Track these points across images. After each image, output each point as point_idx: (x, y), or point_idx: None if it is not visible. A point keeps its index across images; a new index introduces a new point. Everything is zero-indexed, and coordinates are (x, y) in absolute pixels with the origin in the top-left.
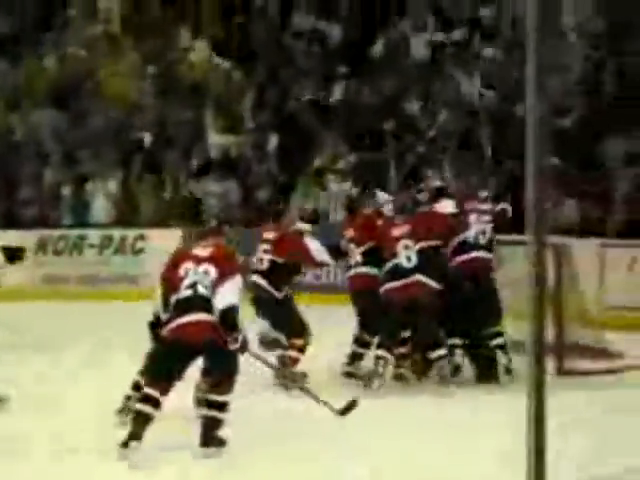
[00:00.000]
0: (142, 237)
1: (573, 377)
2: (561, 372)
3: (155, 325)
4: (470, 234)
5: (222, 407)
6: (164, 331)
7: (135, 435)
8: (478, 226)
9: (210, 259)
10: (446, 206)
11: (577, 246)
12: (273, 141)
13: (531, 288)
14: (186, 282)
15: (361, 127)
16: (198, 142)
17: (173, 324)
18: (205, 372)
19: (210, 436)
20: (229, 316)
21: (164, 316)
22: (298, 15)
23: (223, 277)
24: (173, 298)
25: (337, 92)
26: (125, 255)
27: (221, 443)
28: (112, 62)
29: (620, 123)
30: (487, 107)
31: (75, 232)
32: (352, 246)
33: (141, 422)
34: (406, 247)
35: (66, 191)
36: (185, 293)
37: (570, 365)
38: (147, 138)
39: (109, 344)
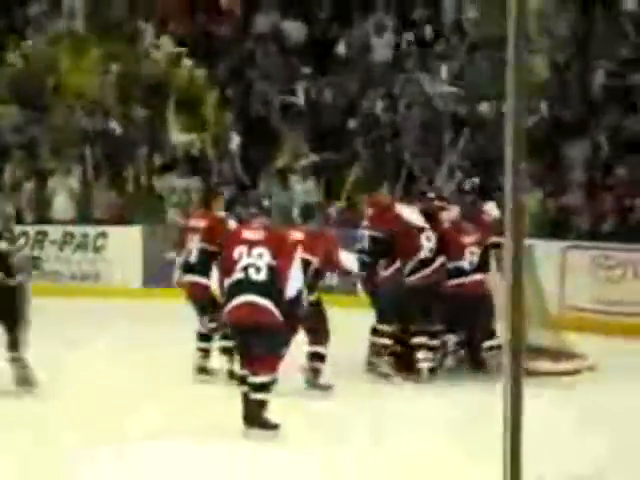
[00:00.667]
0: (103, 234)
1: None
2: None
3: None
4: None
5: (263, 388)
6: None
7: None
8: None
9: (264, 242)
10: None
11: (540, 247)
12: (236, 140)
13: (508, 289)
14: (240, 265)
15: (324, 127)
16: (161, 139)
17: (228, 307)
18: (251, 353)
19: (254, 416)
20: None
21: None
22: (261, 14)
23: (281, 259)
24: (227, 282)
25: (300, 91)
26: (86, 252)
27: (266, 425)
28: (74, 58)
29: (582, 127)
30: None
31: (36, 228)
32: None
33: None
34: (472, 253)
35: (27, 187)
36: (238, 276)
37: (532, 366)
38: (117, 129)
39: (72, 341)
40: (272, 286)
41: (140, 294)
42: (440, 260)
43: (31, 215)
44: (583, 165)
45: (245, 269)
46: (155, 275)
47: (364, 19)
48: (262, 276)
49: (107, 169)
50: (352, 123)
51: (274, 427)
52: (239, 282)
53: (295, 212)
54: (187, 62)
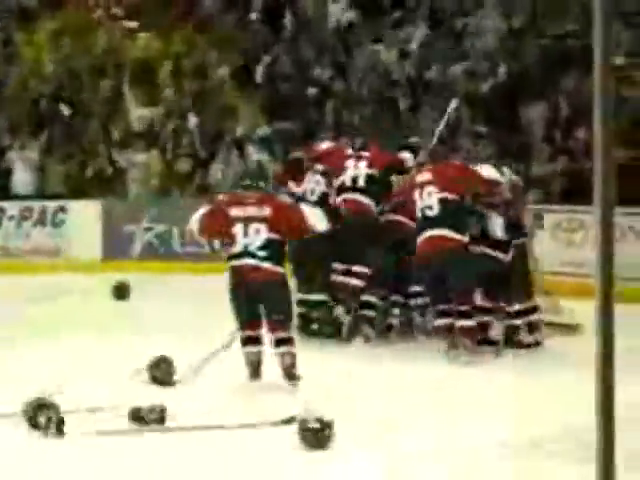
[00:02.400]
0: (62, 209)
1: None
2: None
3: None
4: None
5: (289, 342)
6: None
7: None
8: None
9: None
10: None
11: None
12: (193, 120)
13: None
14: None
15: (280, 96)
16: (118, 113)
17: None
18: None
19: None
20: None
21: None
22: None
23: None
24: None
25: (256, 62)
26: (45, 227)
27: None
28: (28, 32)
29: (538, 89)
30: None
31: None
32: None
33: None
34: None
35: None
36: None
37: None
38: (66, 111)
39: (33, 318)
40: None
41: (100, 268)
42: None
43: None
44: (543, 127)
45: None
46: (114, 248)
47: None
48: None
49: (63, 144)
50: (310, 92)
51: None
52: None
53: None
54: (142, 35)
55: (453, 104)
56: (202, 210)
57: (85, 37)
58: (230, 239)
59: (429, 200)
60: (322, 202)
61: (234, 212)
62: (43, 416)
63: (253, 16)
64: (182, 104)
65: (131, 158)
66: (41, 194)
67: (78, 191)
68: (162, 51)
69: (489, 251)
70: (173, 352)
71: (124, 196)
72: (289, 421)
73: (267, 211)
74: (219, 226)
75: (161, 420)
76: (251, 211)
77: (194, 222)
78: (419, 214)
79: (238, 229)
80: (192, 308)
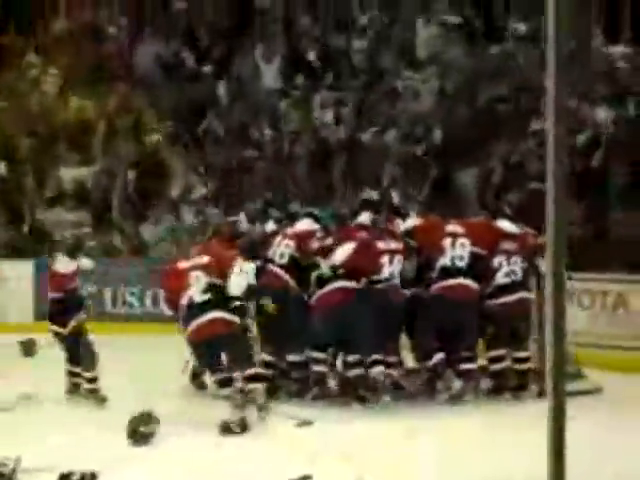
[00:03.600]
0: None
1: None
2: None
3: None
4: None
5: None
6: None
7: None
8: None
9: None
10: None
11: None
12: (130, 174)
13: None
14: None
15: (216, 158)
16: (51, 172)
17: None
18: None
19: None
20: None
21: None
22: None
23: None
24: None
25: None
26: None
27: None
28: None
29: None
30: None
31: None
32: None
33: None
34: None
35: None
36: None
37: None
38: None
39: None
40: None
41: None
42: None
43: None
44: (475, 192)
45: None
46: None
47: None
48: None
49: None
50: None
51: None
52: None
53: None
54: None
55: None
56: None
57: (20, 98)
58: None
59: (461, 251)
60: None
61: None
62: None
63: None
64: (115, 164)
65: (59, 217)
66: None
67: (10, 250)
68: (96, 111)
69: None
70: None
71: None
72: None
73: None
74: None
75: None
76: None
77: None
78: (447, 262)
79: None
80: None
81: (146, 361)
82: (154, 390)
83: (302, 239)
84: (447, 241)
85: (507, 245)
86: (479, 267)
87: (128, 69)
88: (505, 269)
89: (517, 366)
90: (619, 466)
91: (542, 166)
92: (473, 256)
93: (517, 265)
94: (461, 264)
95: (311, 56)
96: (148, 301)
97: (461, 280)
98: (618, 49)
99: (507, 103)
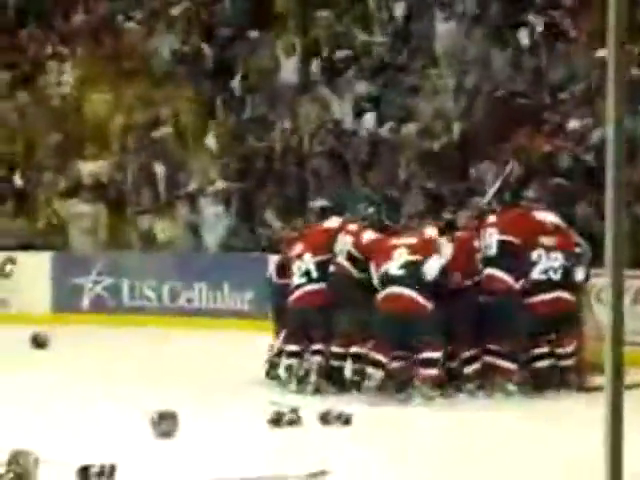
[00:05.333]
0: (11, 260)
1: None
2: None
3: None
4: None
5: None
6: None
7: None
8: None
9: None
10: None
11: None
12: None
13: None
14: None
15: (233, 152)
16: (67, 165)
17: None
18: None
19: None
20: None
21: None
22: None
23: None
24: None
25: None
26: None
27: None
28: None
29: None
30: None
31: None
32: None
33: None
34: None
35: None
36: None
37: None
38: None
39: None
40: None
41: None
42: None
43: None
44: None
45: None
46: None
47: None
48: None
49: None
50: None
51: None
52: None
53: None
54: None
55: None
56: None
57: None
58: None
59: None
60: None
61: None
62: None
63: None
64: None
65: (76, 209)
66: None
67: (27, 242)
68: (114, 105)
69: None
70: None
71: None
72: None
73: None
74: None
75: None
76: None
77: None
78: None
79: None
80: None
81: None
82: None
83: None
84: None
85: (547, 240)
86: (511, 257)
87: (145, 63)
88: (543, 264)
89: (560, 363)
90: None
91: (572, 163)
92: (503, 245)
93: (557, 262)
94: (489, 253)
95: (330, 51)
96: None
97: (487, 270)
98: None
99: (526, 98)
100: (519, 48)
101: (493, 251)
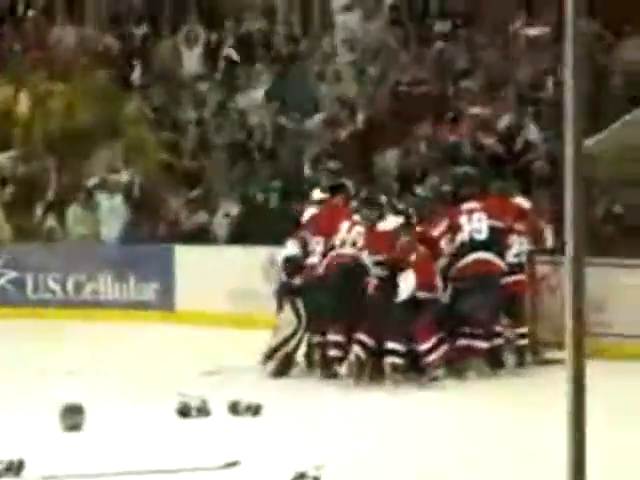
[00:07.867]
0: None
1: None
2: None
3: None
4: None
5: None
6: None
7: None
8: None
9: None
10: None
11: None
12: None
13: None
14: None
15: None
16: None
17: None
18: None
19: None
20: None
21: None
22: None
23: None
24: None
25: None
26: None
27: None
28: None
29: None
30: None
31: None
32: None
33: None
34: None
35: None
36: None
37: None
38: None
39: None
40: None
41: None
42: None
43: None
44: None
45: None
46: None
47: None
48: None
49: None
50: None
51: None
52: None
53: None
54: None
55: None
56: None
57: None
58: None
59: (479, 225)
60: None
61: None
62: None
63: None
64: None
65: None
66: None
67: None
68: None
69: None
70: None
71: None
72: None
73: None
74: None
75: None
76: None
77: None
78: (466, 237)
79: None
80: None
81: None
82: None
83: None
84: (464, 217)
85: (518, 225)
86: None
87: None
88: (516, 248)
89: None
90: None
91: (475, 151)
92: (492, 230)
93: (524, 246)
94: (480, 237)
95: (230, 42)
96: None
97: (480, 254)
98: None
99: (428, 85)
100: (423, 36)
101: (483, 235)
